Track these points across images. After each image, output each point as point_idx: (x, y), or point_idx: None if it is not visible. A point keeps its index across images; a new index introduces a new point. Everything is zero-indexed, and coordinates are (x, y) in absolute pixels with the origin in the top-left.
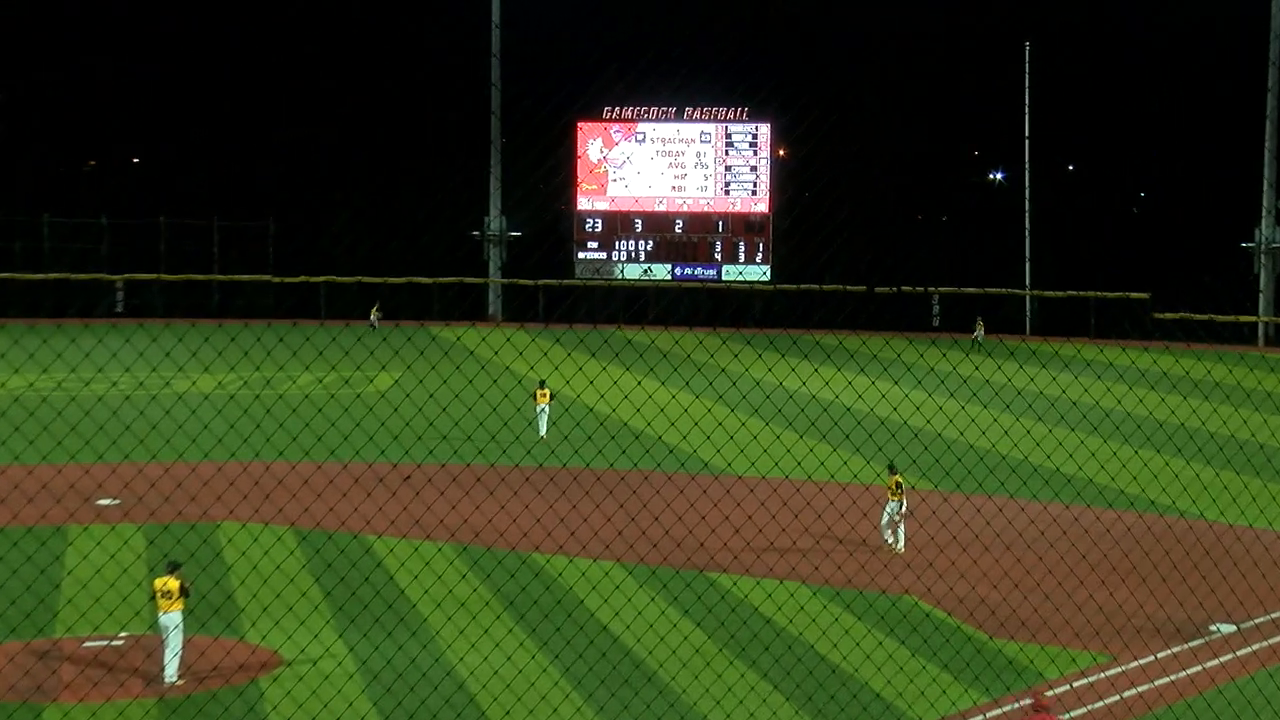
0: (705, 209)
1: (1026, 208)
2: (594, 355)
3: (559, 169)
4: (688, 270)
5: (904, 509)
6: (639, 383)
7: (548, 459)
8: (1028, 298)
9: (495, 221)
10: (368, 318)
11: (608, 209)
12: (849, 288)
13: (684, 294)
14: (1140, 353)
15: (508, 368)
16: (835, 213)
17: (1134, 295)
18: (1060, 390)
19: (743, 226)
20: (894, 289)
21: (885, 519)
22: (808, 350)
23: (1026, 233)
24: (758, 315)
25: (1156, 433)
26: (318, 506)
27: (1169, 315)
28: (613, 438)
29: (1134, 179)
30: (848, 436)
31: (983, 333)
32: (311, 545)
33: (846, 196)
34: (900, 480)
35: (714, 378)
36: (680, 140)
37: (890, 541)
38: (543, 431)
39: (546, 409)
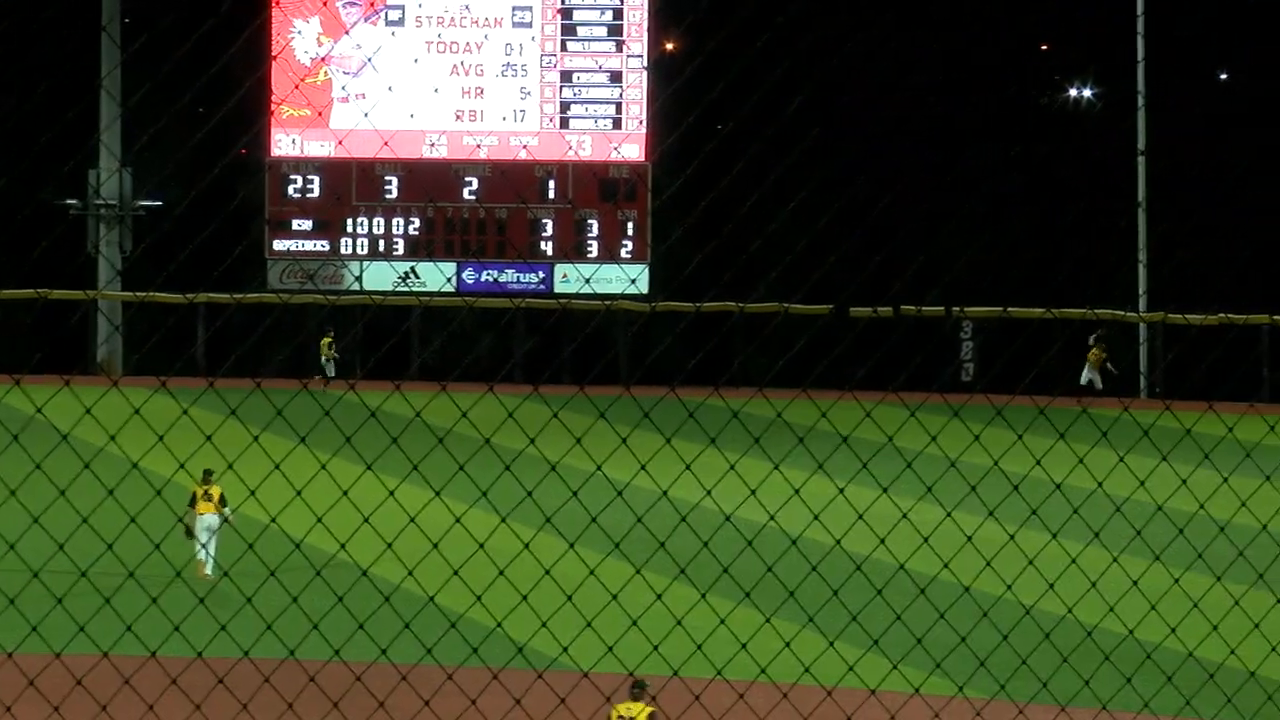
0: (523, 156)
1: (1140, 148)
2: (304, 441)
3: (237, 79)
4: (487, 275)
5: None
6: (391, 493)
7: (211, 643)
8: (1142, 328)
9: (109, 181)
10: (319, 365)
11: (331, 156)
12: (794, 307)
13: (481, 320)
14: None
15: (135, 465)
16: (772, 165)
17: None
18: (1187, 505)
19: (595, 191)
20: (883, 311)
21: None
22: (718, 427)
23: (1140, 202)
24: (624, 361)
25: None
26: None
27: None
28: (340, 600)
29: None
30: (792, 594)
31: (1103, 366)
32: None
33: (794, 133)
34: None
35: (537, 482)
36: (472, 22)
37: None
38: (203, 559)
39: (214, 525)
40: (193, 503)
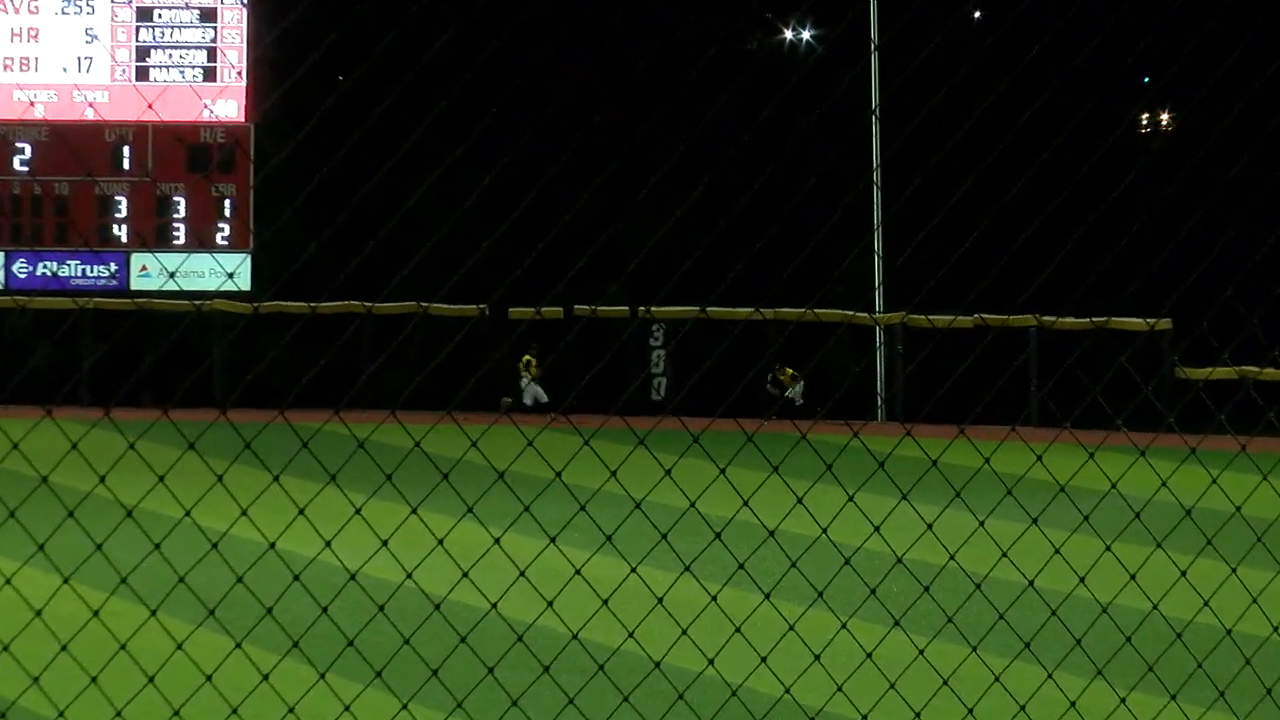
0: (90, 116)
1: (874, 104)
2: None
3: None
4: (44, 268)
5: None
6: None
7: None
8: (879, 331)
9: None
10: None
11: None
12: (437, 308)
13: (40, 325)
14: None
15: None
16: (408, 128)
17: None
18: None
19: (182, 160)
20: (549, 311)
21: None
22: (342, 459)
23: (874, 173)
24: (219, 376)
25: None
26: None
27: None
28: None
29: None
30: (270, 611)
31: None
32: None
33: (433, 88)
34: None
35: (122, 524)
36: None
37: None
38: None
39: None
40: None
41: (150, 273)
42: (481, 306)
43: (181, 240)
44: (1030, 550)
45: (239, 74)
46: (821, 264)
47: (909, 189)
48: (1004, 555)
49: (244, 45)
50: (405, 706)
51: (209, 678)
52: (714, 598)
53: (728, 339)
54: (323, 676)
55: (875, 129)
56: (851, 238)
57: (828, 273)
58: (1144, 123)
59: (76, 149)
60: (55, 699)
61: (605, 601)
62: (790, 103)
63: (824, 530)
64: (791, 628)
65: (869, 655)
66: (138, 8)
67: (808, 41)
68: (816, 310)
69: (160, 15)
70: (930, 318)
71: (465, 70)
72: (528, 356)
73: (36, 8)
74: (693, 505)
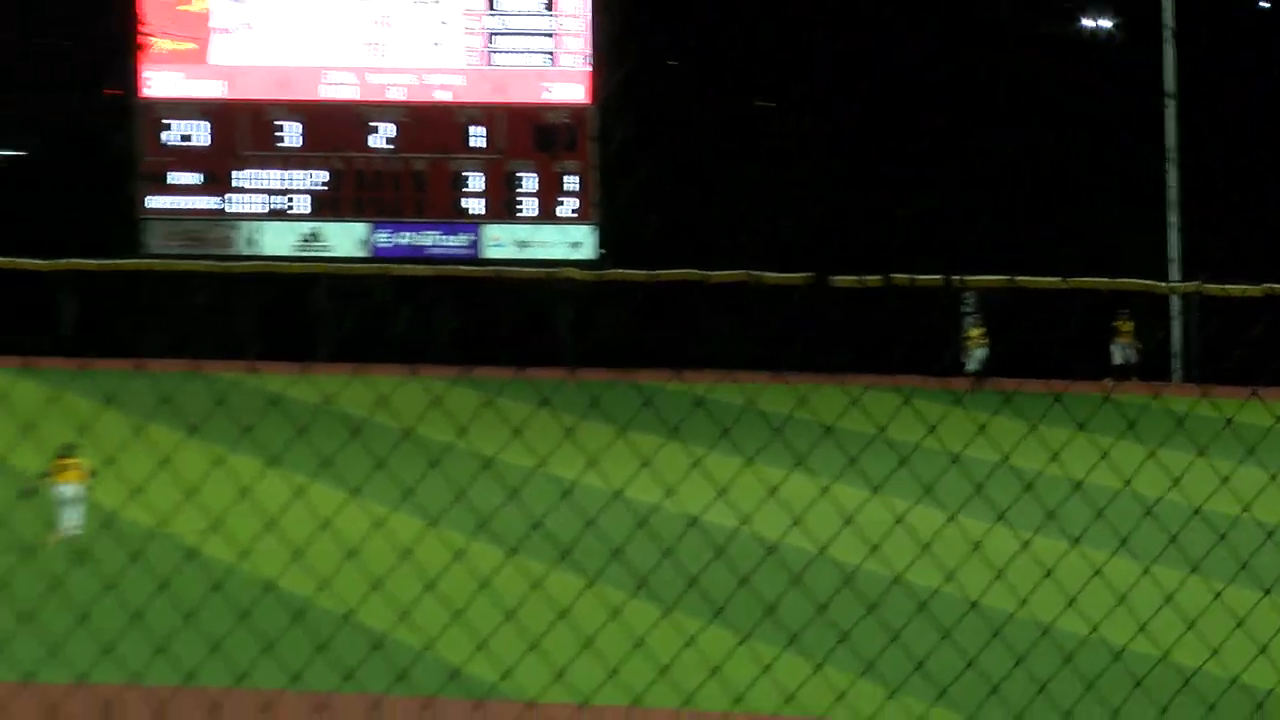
0: (442, 98)
1: (1167, 88)
2: (198, 430)
3: (104, 7)
4: (403, 237)
5: None
6: (299, 494)
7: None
8: (1174, 301)
9: None
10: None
11: (217, 97)
12: (768, 276)
13: (402, 291)
14: None
15: None
16: (742, 97)
17: None
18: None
19: (530, 138)
20: (871, 280)
21: None
22: (680, 415)
23: (1168, 151)
24: (569, 342)
25: None
26: None
27: None
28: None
29: None
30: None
31: (1132, 350)
32: None
33: (777, 59)
34: None
35: (426, 489)
36: None
37: None
38: (70, 524)
39: (82, 494)
40: (49, 474)
41: (503, 242)
42: (809, 275)
43: (532, 211)
44: None
45: (585, 58)
46: (1119, 235)
47: (1209, 167)
48: None
49: (587, 30)
50: (744, 641)
51: (563, 614)
52: (1025, 544)
53: (1036, 307)
54: (667, 614)
55: (1171, 111)
56: (1148, 210)
57: (1124, 244)
58: None
59: (431, 130)
60: (425, 631)
61: (926, 546)
62: (1091, 86)
63: (1126, 483)
64: (1097, 573)
65: (1169, 599)
66: None
67: (1108, 28)
68: (1118, 280)
69: (498, 4)
70: (1225, 286)
71: (780, 57)
72: (973, 331)
73: None
74: (1005, 460)
